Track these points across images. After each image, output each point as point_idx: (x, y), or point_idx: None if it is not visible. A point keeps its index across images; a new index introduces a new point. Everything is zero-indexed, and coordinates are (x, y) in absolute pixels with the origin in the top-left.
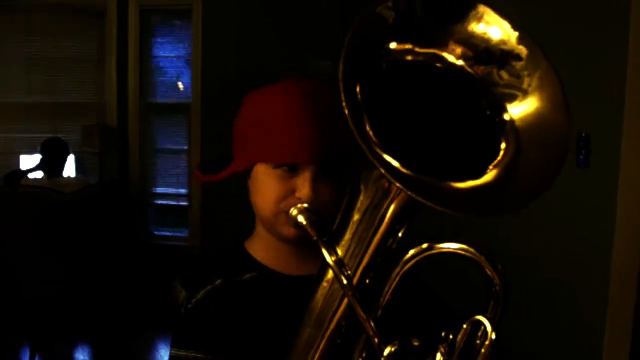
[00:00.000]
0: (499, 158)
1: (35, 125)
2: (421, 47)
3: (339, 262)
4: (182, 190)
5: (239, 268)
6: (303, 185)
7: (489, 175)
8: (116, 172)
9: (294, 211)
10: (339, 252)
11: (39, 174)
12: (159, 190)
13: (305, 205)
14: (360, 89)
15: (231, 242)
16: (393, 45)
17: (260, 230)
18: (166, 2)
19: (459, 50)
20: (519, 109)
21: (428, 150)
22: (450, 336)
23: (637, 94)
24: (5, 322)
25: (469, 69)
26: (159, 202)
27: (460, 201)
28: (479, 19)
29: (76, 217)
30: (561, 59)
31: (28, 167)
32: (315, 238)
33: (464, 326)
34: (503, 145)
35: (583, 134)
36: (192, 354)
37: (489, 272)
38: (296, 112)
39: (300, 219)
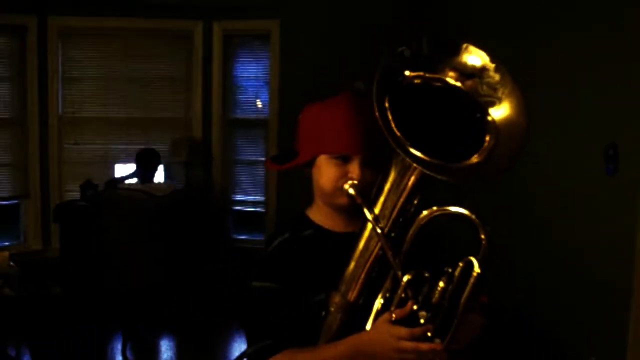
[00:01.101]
0: (484, 145)
1: (130, 138)
2: (427, 73)
3: (376, 218)
4: (259, 198)
5: (302, 227)
6: (354, 168)
7: (477, 157)
8: (200, 180)
9: (346, 186)
10: (375, 211)
11: (133, 180)
12: (239, 197)
13: (355, 182)
14: (388, 102)
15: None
16: (407, 72)
17: (318, 201)
18: (247, 27)
19: (453, 74)
20: (497, 112)
21: (436, 141)
22: (450, 270)
23: None
24: (100, 312)
25: (460, 86)
26: (238, 208)
27: (458, 174)
28: (467, 52)
29: (167, 218)
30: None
31: (124, 175)
32: (359, 201)
33: (460, 264)
34: (487, 137)
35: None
36: (268, 285)
37: (480, 230)
38: (347, 118)
39: (351, 191)
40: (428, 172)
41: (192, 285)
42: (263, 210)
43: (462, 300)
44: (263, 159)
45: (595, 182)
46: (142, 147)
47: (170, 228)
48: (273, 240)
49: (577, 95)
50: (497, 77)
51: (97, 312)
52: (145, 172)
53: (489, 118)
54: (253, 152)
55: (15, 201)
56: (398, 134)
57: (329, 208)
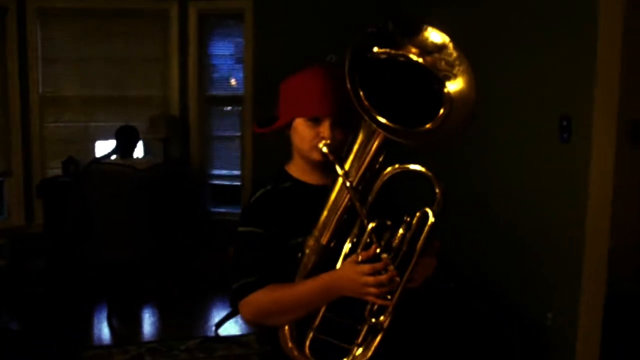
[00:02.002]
0: (440, 113)
1: (110, 115)
2: (393, 49)
3: (346, 174)
4: (236, 172)
5: (281, 180)
6: (324, 129)
7: (433, 123)
8: (178, 156)
9: (321, 145)
10: (346, 167)
11: (113, 157)
12: (215, 172)
13: (327, 141)
14: (358, 76)
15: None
16: (375, 49)
17: (296, 158)
18: (221, 7)
19: (415, 50)
20: (453, 86)
21: (399, 110)
22: (408, 219)
23: (605, 85)
24: (85, 284)
25: (422, 61)
26: (215, 182)
27: (414, 138)
28: (427, 32)
29: (149, 191)
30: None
31: (106, 153)
32: (331, 159)
33: (417, 214)
34: (442, 108)
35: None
36: (252, 229)
37: (435, 184)
38: (319, 84)
39: (325, 149)
40: (389, 136)
41: (172, 257)
42: (239, 183)
43: (419, 245)
44: (239, 134)
45: (550, 148)
46: (121, 124)
47: (153, 201)
48: (256, 191)
49: (535, 71)
50: (454, 54)
51: (82, 284)
52: (124, 148)
53: (445, 90)
54: (229, 128)
55: None
56: (366, 103)
57: (305, 164)
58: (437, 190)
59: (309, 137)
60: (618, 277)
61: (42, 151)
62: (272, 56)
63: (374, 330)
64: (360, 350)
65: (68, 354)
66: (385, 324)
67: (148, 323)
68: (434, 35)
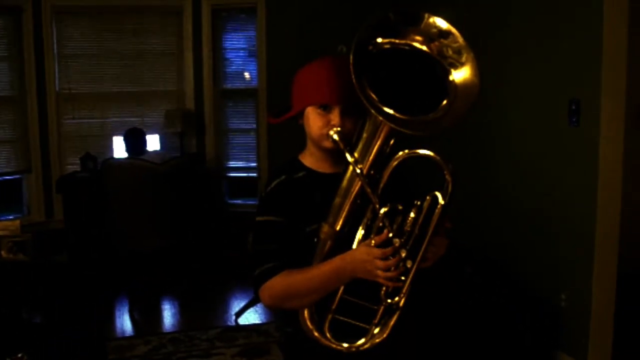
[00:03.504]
0: (444, 102)
1: (126, 111)
2: (396, 39)
3: (356, 161)
4: (252, 164)
5: (295, 170)
6: (334, 116)
7: (438, 112)
8: (194, 149)
9: (332, 132)
10: (356, 155)
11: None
12: (232, 164)
13: (337, 129)
14: (362, 66)
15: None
16: (379, 40)
17: (309, 147)
18: (234, 1)
19: (419, 38)
20: (458, 74)
21: (404, 98)
22: (419, 203)
23: (612, 71)
24: (106, 278)
25: (426, 49)
26: (232, 174)
27: (420, 126)
28: (431, 19)
29: (168, 184)
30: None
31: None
32: (342, 147)
33: (427, 197)
34: (447, 96)
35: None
36: (269, 218)
37: (444, 167)
38: (328, 74)
39: (335, 136)
40: (394, 126)
41: (191, 249)
42: (256, 175)
43: (430, 227)
44: (254, 126)
45: (559, 132)
46: (137, 119)
47: (172, 193)
48: (271, 182)
49: (544, 55)
50: (460, 41)
51: (104, 277)
52: (133, 148)
53: (450, 78)
54: (244, 121)
55: (18, 176)
56: (372, 94)
57: (318, 152)
58: (445, 173)
59: (320, 125)
60: (630, 258)
61: (60, 148)
62: (284, 49)
63: (390, 310)
64: (377, 329)
65: (91, 346)
66: (401, 304)
67: (169, 314)
68: (439, 22)
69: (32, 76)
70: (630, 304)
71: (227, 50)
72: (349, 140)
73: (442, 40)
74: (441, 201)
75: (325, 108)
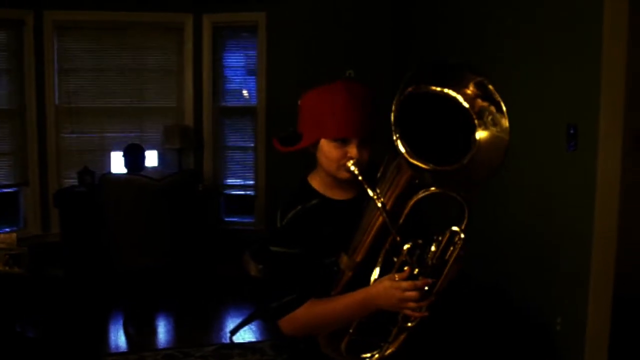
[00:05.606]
0: (468, 155)
1: (125, 126)
2: (450, 89)
3: (377, 194)
4: (249, 182)
5: (308, 197)
6: (352, 149)
7: (461, 165)
8: (193, 166)
9: (349, 164)
10: (377, 190)
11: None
12: (229, 182)
13: (354, 160)
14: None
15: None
16: (432, 87)
17: (320, 172)
18: (235, 19)
19: (469, 91)
20: (481, 133)
21: (430, 147)
22: (440, 237)
23: (610, 96)
24: (101, 293)
25: (467, 105)
26: (229, 192)
27: (441, 178)
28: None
29: (165, 200)
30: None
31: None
32: (361, 180)
33: (447, 233)
34: (469, 152)
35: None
36: (289, 250)
37: (465, 206)
38: (345, 104)
39: (353, 168)
40: (417, 175)
41: (187, 265)
42: (253, 193)
43: (451, 259)
44: (252, 144)
45: (557, 157)
46: (137, 135)
47: (168, 210)
48: (287, 212)
49: (542, 80)
50: (503, 112)
51: (99, 292)
52: (132, 164)
53: (477, 137)
54: (242, 139)
55: (15, 188)
56: (405, 145)
57: (330, 179)
58: (465, 210)
59: (337, 157)
60: (626, 282)
61: (58, 162)
62: (284, 68)
63: (402, 330)
64: (390, 346)
65: None
66: (413, 324)
67: (163, 330)
68: (490, 88)
69: (32, 90)
70: (625, 327)
71: (227, 68)
72: (367, 172)
73: (485, 103)
74: (460, 234)
75: (343, 140)
